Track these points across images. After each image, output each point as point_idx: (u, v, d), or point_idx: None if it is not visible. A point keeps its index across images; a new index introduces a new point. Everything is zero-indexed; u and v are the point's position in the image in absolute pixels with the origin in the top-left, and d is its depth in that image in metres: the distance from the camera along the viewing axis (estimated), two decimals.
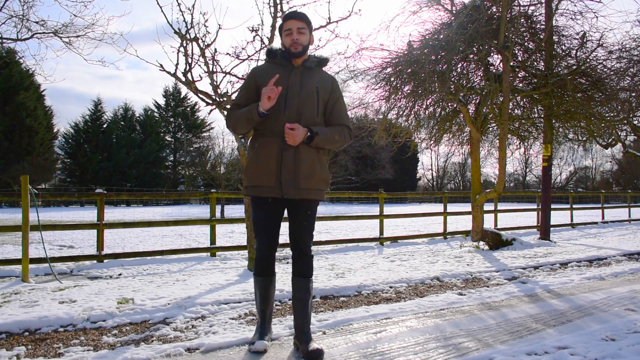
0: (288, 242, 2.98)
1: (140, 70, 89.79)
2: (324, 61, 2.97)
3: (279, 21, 6.04)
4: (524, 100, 9.28)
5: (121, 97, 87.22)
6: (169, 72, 5.91)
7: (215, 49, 6.09)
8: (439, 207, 19.12)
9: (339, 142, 2.89)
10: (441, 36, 7.89)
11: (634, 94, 9.41)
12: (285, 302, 4.34)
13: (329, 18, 6.35)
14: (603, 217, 16.59)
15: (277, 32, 6.08)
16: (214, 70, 6.11)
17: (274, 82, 2.73)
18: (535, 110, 9.37)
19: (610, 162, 47.77)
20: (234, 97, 6.26)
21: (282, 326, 3.46)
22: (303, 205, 2.84)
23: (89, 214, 19.58)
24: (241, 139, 6.06)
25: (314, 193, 2.82)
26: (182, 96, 44.98)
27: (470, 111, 8.63)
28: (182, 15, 5.82)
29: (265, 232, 2.87)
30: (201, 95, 6.16)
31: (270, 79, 2.75)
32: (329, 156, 41.07)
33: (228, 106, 6.14)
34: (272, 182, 2.75)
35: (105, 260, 7.24)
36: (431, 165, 58.54)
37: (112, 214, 21.78)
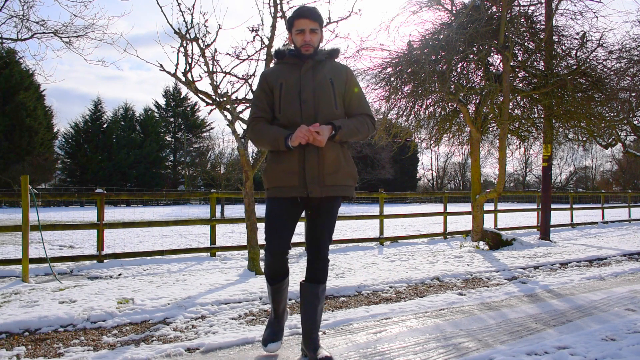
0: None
1: (143, 71, 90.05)
2: (335, 52, 2.81)
3: (279, 21, 6.05)
4: (524, 100, 9.28)
5: (124, 97, 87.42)
6: (169, 72, 5.92)
7: (215, 49, 6.11)
8: (439, 207, 19.12)
9: (363, 133, 2.71)
10: (441, 36, 7.89)
11: (634, 94, 9.40)
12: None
13: (329, 18, 6.36)
14: (603, 217, 16.59)
15: (277, 32, 6.09)
16: (214, 70, 6.12)
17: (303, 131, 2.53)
18: (535, 110, 9.37)
19: (610, 162, 47.86)
20: (234, 97, 6.25)
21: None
22: (327, 204, 2.69)
23: (89, 214, 19.57)
24: (241, 139, 6.05)
25: (341, 189, 2.67)
26: (182, 96, 45.05)
27: (470, 111, 8.62)
28: (182, 15, 5.83)
29: (281, 234, 2.68)
30: (201, 95, 6.17)
31: (281, 80, 2.67)
32: None
33: (236, 109, 6.14)
34: (295, 181, 2.61)
35: (105, 260, 7.24)
36: (431, 165, 58.59)
37: (112, 214, 21.78)
